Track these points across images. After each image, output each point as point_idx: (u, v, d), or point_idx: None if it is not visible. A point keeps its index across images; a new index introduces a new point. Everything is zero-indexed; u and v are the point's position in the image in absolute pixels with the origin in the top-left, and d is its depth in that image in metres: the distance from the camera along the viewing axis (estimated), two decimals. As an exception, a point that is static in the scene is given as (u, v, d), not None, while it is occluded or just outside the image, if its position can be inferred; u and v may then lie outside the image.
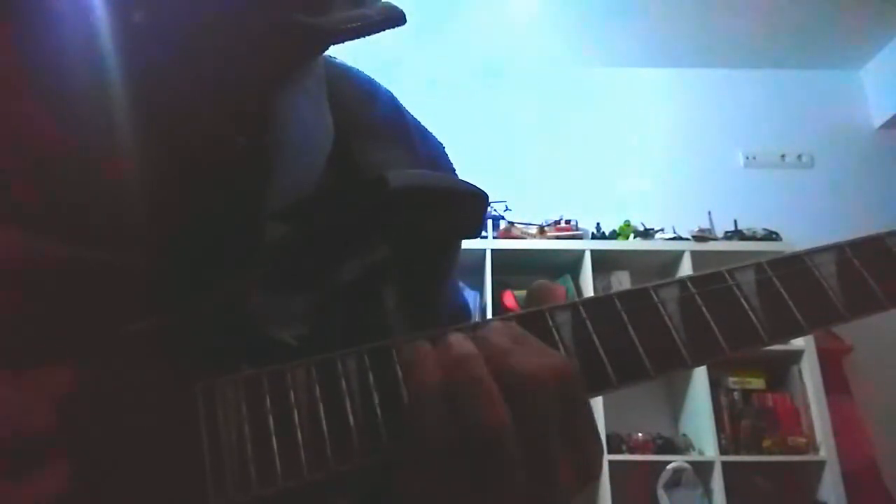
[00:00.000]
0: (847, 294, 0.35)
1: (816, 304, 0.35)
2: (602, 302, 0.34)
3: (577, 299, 0.34)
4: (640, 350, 0.33)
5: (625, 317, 0.33)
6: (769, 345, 0.34)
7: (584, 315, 0.33)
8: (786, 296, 0.35)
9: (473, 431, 0.28)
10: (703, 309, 0.34)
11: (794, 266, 0.36)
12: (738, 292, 0.35)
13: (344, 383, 0.31)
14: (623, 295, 0.34)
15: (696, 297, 0.34)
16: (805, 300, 0.35)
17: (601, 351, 0.32)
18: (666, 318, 0.34)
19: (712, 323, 0.34)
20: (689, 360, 0.33)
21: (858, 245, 0.37)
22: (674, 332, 0.33)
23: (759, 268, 0.36)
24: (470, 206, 0.44)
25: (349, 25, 0.37)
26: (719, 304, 0.34)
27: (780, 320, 0.34)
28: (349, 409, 0.30)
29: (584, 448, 0.30)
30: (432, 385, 0.29)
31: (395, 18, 0.40)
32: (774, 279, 0.35)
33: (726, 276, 0.35)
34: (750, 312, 0.34)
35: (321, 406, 0.30)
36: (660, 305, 0.34)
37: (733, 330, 0.34)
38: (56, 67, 0.32)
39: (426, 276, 0.47)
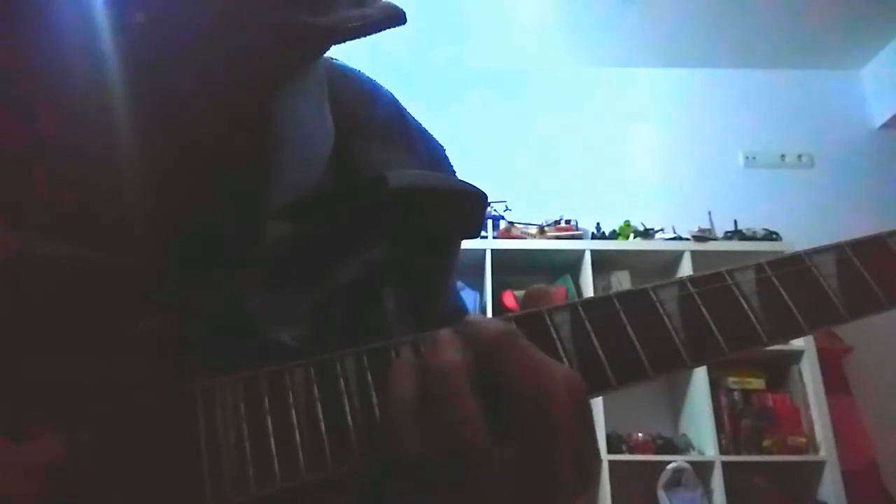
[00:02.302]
0: (847, 294, 0.35)
1: (817, 305, 0.34)
2: (601, 302, 0.34)
3: (575, 300, 0.34)
4: (640, 351, 0.32)
5: (624, 317, 0.33)
6: (769, 345, 0.33)
7: (583, 315, 0.33)
8: (786, 296, 0.34)
9: (446, 445, 0.28)
10: (703, 309, 0.34)
11: (794, 266, 0.35)
12: (737, 292, 0.34)
13: (343, 384, 0.31)
14: (622, 295, 0.34)
15: (696, 297, 0.34)
16: (805, 300, 0.34)
17: (600, 352, 0.32)
18: (665, 319, 0.33)
19: (712, 323, 0.33)
20: (688, 360, 0.32)
21: (859, 245, 0.36)
22: (673, 332, 0.33)
23: (758, 268, 0.35)
24: (469, 207, 0.44)
25: (350, 25, 0.37)
26: (719, 304, 0.34)
27: (779, 321, 0.34)
28: (348, 409, 0.30)
29: (584, 462, 0.30)
30: (404, 397, 0.29)
31: (396, 18, 0.40)
32: (774, 279, 0.35)
33: (726, 276, 0.35)
34: (749, 313, 0.34)
35: (320, 406, 0.30)
36: (659, 306, 0.34)
37: (733, 330, 0.33)
38: (56, 67, 0.32)
39: (426, 276, 0.47)
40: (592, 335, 0.33)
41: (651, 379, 0.32)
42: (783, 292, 0.34)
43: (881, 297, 0.35)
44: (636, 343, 0.33)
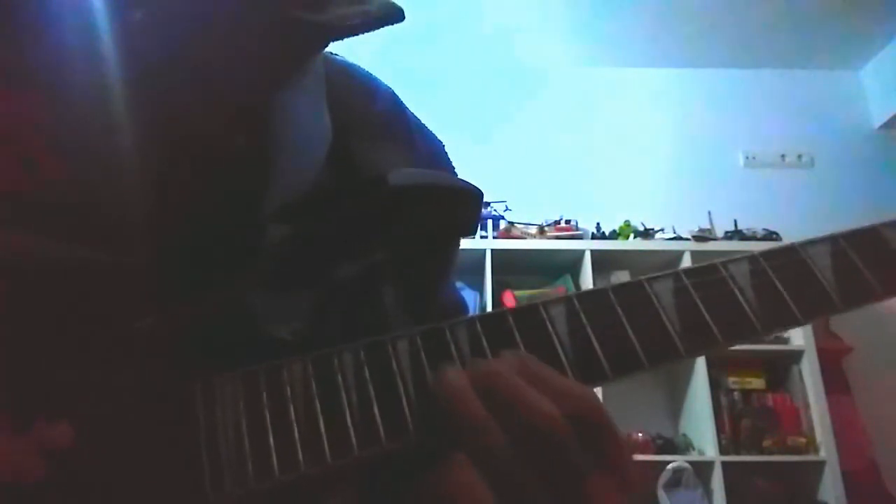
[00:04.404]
0: (842, 284, 0.35)
1: (811, 295, 0.35)
2: (596, 294, 0.34)
3: (571, 293, 0.34)
4: (635, 341, 0.33)
5: (619, 309, 0.33)
6: (763, 335, 0.34)
7: (578, 308, 0.33)
8: (780, 287, 0.34)
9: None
10: (697, 300, 0.34)
11: (789, 257, 0.36)
12: (732, 284, 0.35)
13: (340, 378, 0.31)
14: (617, 288, 0.34)
15: (690, 288, 0.34)
16: (800, 291, 0.34)
17: (595, 343, 0.33)
18: (660, 310, 0.34)
19: (706, 314, 0.34)
20: (683, 350, 0.33)
21: (853, 236, 0.36)
22: (668, 323, 0.33)
23: (753, 259, 0.36)
24: (466, 205, 0.44)
25: (349, 22, 0.38)
26: (713, 295, 0.34)
27: (774, 311, 0.34)
28: (345, 403, 0.30)
29: (618, 471, 0.30)
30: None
31: (394, 15, 0.40)
32: (768, 270, 0.35)
33: (720, 268, 0.35)
34: (744, 303, 0.34)
35: (317, 401, 0.30)
36: (654, 297, 0.34)
37: (727, 321, 0.34)
38: (55, 66, 0.32)
39: (424, 273, 0.47)
40: (588, 327, 0.33)
41: (646, 370, 0.32)
42: (777, 283, 0.35)
43: (876, 287, 0.35)
44: (631, 334, 0.33)
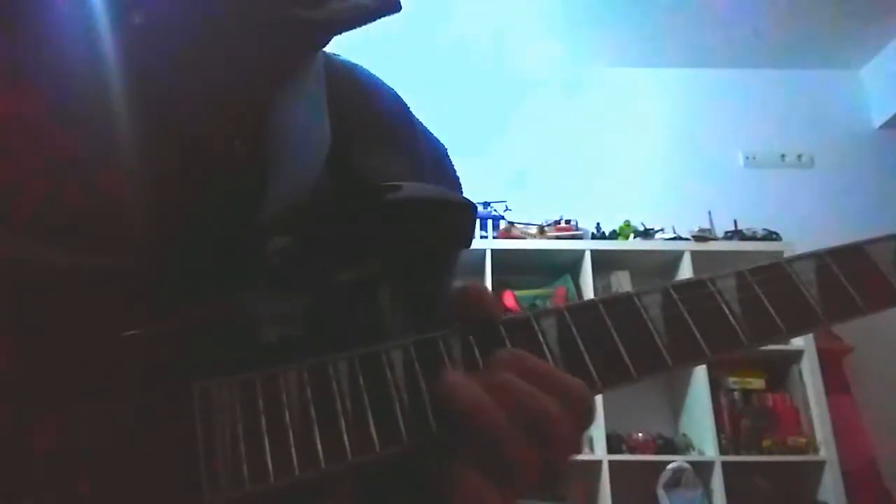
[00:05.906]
0: (826, 300, 0.36)
1: (796, 310, 0.36)
2: (586, 307, 0.35)
3: (561, 305, 0.35)
4: (624, 354, 0.33)
5: (608, 322, 0.34)
6: (749, 348, 0.34)
7: (569, 320, 0.34)
8: (766, 302, 0.35)
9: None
10: (685, 314, 0.35)
11: (775, 273, 0.37)
12: (719, 298, 0.35)
13: (335, 386, 0.32)
14: (607, 301, 0.35)
15: (678, 302, 0.35)
16: (785, 306, 0.35)
17: (585, 355, 0.33)
18: (648, 323, 0.34)
19: (693, 327, 0.34)
20: (670, 362, 0.34)
21: (838, 252, 0.38)
22: (656, 336, 0.34)
23: (739, 275, 0.36)
24: (461, 218, 0.45)
25: (345, 16, 0.38)
26: (700, 309, 0.35)
27: (760, 325, 0.35)
28: (340, 411, 0.31)
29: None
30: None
31: (391, 6, 0.40)
32: (755, 285, 0.36)
33: (708, 283, 0.36)
34: (730, 317, 0.35)
35: (313, 407, 0.31)
36: (642, 311, 0.35)
37: (714, 334, 0.34)
38: (55, 71, 0.32)
39: (423, 278, 0.47)
40: (578, 339, 0.34)
41: (635, 381, 0.33)
42: (763, 298, 0.36)
43: (859, 303, 0.36)
44: (620, 346, 0.34)
